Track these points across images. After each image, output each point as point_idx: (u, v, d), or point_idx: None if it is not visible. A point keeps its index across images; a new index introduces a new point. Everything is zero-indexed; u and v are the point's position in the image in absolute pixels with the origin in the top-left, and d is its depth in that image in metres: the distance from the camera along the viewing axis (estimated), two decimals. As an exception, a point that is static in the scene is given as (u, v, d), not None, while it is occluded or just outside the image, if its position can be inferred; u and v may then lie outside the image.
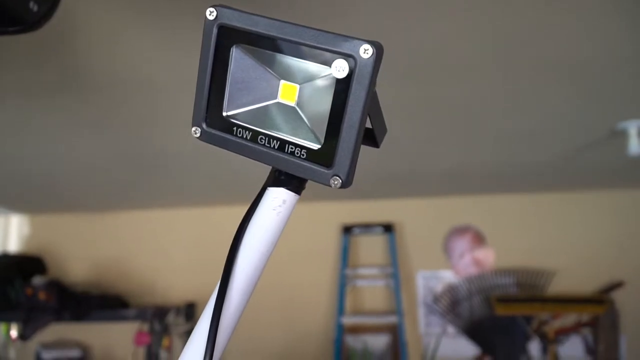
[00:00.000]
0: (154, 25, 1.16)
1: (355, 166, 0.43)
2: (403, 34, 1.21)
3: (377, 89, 0.44)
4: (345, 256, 3.30)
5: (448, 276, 3.28)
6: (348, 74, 0.41)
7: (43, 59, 1.30)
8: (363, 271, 3.33)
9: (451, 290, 3.23)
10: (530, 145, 2.18)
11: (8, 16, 0.70)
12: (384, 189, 3.12)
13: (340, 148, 0.42)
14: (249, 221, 0.46)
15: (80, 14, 1.10)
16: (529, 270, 3.15)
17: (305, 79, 0.44)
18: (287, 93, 0.45)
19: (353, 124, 0.42)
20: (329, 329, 3.30)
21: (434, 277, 3.29)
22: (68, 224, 3.67)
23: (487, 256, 3.25)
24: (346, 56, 0.41)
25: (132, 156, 2.28)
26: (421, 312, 3.27)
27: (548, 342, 2.97)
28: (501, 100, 1.67)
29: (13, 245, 3.73)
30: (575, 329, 2.99)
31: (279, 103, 0.46)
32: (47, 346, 3.33)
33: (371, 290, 3.34)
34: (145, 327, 3.04)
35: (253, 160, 0.47)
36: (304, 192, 0.49)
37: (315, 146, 0.44)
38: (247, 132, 0.47)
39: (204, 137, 0.49)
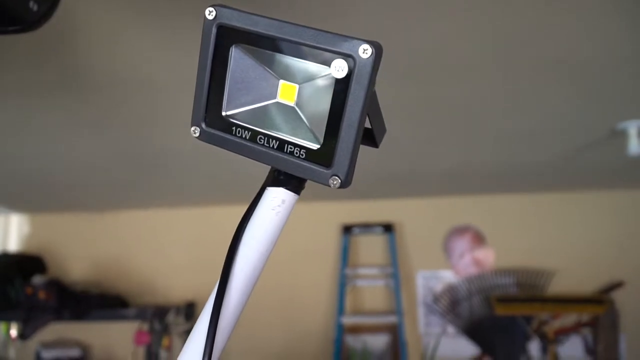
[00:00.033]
0: (154, 25, 1.16)
1: (354, 166, 0.43)
2: (403, 34, 1.21)
3: (377, 89, 0.44)
4: (345, 256, 3.30)
5: (448, 276, 3.28)
6: (347, 74, 0.41)
7: (43, 58, 1.30)
8: (363, 271, 3.33)
9: (451, 290, 3.23)
10: (530, 145, 2.18)
11: (8, 15, 0.70)
12: (384, 188, 3.12)
13: (339, 148, 0.43)
14: (248, 221, 0.47)
15: (80, 13, 1.10)
16: (529, 270, 3.15)
17: (305, 79, 0.44)
18: (287, 93, 0.45)
19: (352, 124, 0.42)
20: (329, 329, 3.30)
21: (434, 277, 3.29)
22: (68, 224, 3.68)
23: (487, 256, 3.25)
24: (345, 56, 0.41)
25: (132, 156, 2.28)
26: (421, 312, 3.27)
27: (548, 342, 2.98)
28: (501, 100, 1.67)
29: (13, 244, 3.73)
30: (575, 329, 2.99)
31: (278, 103, 0.46)
32: (47, 345, 3.33)
33: (371, 290, 3.34)
34: (145, 326, 3.04)
35: (252, 160, 0.47)
36: (303, 192, 0.49)
37: (315, 146, 0.44)
38: (246, 131, 0.47)
39: (203, 136, 0.49)
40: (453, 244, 3.31)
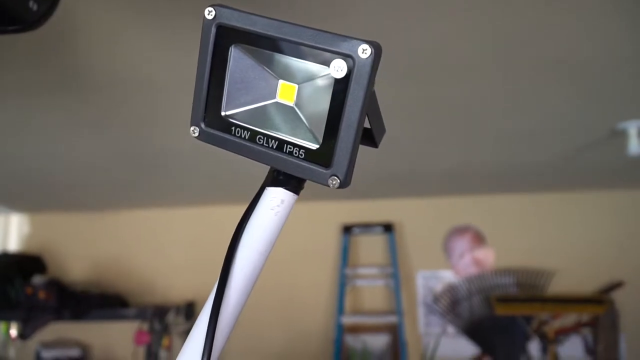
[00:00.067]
0: (154, 25, 1.16)
1: (353, 166, 0.43)
2: (403, 34, 1.21)
3: (377, 89, 0.44)
4: (345, 256, 3.30)
5: (448, 276, 3.28)
6: (346, 74, 0.41)
7: (43, 58, 1.30)
8: (363, 271, 3.33)
9: (451, 290, 3.23)
10: (530, 145, 2.18)
11: (8, 15, 0.70)
12: (384, 188, 3.12)
13: (338, 148, 0.42)
14: (247, 221, 0.47)
15: (80, 13, 1.10)
16: (529, 270, 3.15)
17: (304, 79, 0.44)
18: (286, 93, 0.45)
19: (351, 124, 0.42)
20: (329, 329, 3.30)
21: (434, 277, 3.29)
22: (68, 223, 3.68)
23: (487, 256, 3.25)
24: (344, 56, 0.41)
25: (132, 156, 2.28)
26: (421, 312, 3.27)
27: (548, 342, 2.98)
28: (501, 100, 1.67)
29: (13, 244, 3.73)
30: (575, 329, 2.99)
31: (277, 103, 0.46)
32: (47, 345, 3.33)
33: (371, 290, 3.34)
34: (145, 326, 3.04)
35: (252, 160, 0.47)
36: (303, 192, 0.49)
37: (314, 146, 0.44)
38: (245, 131, 0.47)
39: (202, 136, 0.49)
40: (453, 244, 3.31)
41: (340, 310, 3.21)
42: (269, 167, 0.48)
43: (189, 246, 3.53)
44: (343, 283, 3.25)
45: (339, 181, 0.43)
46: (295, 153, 0.45)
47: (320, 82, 0.44)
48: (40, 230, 3.71)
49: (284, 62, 0.45)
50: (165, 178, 2.74)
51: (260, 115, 0.47)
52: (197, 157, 2.30)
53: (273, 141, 0.46)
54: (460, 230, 3.32)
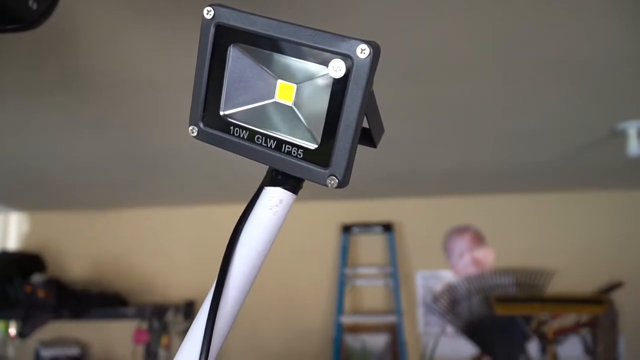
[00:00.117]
0: (154, 25, 1.16)
1: (352, 166, 0.43)
2: (403, 34, 1.21)
3: (377, 88, 0.44)
4: (345, 255, 3.30)
5: (447, 276, 3.28)
6: (345, 74, 0.41)
7: (43, 58, 1.30)
8: (362, 270, 3.33)
9: (450, 290, 3.23)
10: (530, 145, 2.18)
11: (7, 14, 0.70)
12: (384, 188, 3.12)
13: (337, 148, 0.43)
14: (245, 220, 0.47)
15: (80, 13, 1.10)
16: (529, 270, 3.16)
17: (303, 79, 0.44)
18: (285, 92, 0.45)
19: (350, 124, 0.42)
20: (328, 328, 3.30)
21: (434, 276, 3.29)
22: (67, 222, 3.68)
23: (487, 256, 3.25)
24: (343, 56, 0.41)
25: (132, 155, 2.28)
26: (420, 311, 3.28)
27: (547, 342, 2.97)
28: (501, 100, 1.67)
29: (12, 243, 3.73)
30: (574, 329, 2.99)
31: (276, 102, 0.46)
32: (46, 344, 3.33)
33: (370, 289, 3.34)
34: (144, 325, 3.05)
35: (251, 160, 0.47)
36: (303, 191, 0.49)
37: (312, 146, 0.44)
38: (244, 131, 0.47)
39: (201, 136, 0.49)
40: (453, 243, 3.31)
41: (340, 309, 3.21)
42: (267, 166, 0.48)
43: (189, 245, 3.53)
44: (342, 283, 3.25)
45: (337, 181, 0.43)
46: (294, 153, 0.45)
47: (319, 82, 0.44)
48: (40, 229, 3.72)
49: (282, 61, 0.45)
50: (165, 178, 2.74)
51: (259, 114, 0.47)
52: (197, 157, 2.30)
53: (271, 141, 0.46)
54: (459, 230, 3.32)
